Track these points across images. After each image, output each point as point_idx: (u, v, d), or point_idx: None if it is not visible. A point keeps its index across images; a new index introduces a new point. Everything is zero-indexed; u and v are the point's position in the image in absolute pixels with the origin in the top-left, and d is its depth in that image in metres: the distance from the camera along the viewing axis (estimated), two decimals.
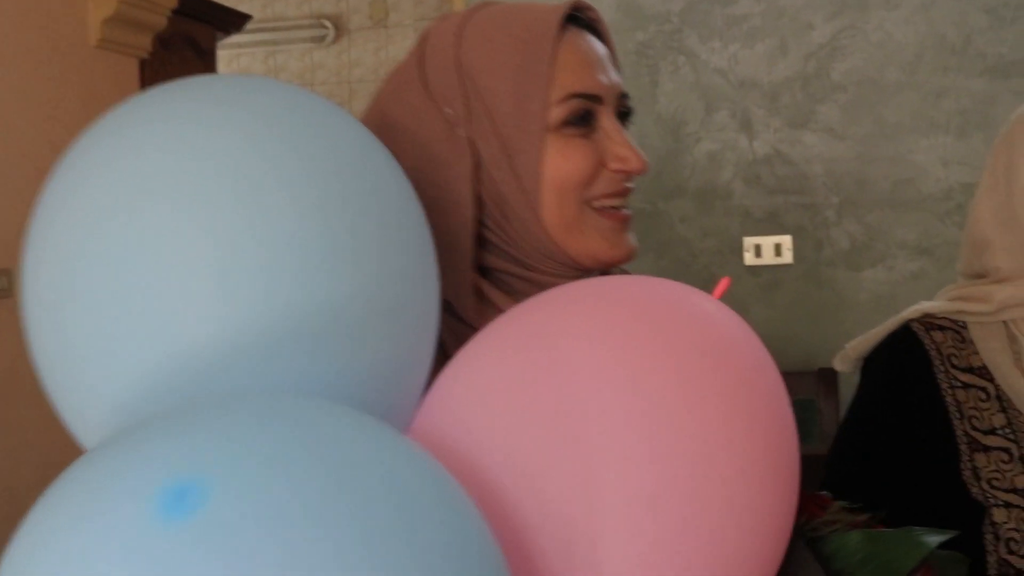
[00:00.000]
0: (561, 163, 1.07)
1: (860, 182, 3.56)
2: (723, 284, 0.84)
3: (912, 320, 1.50)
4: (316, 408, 0.62)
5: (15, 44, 3.66)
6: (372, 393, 0.73)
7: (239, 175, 0.69)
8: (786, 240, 3.61)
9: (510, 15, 1.11)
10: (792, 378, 3.52)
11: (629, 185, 1.11)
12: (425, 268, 0.81)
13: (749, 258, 3.64)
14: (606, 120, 1.10)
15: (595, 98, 1.08)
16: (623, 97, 1.13)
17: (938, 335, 1.47)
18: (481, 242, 1.09)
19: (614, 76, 1.12)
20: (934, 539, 0.88)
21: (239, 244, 0.68)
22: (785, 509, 0.75)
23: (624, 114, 1.14)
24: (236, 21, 4.93)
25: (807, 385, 3.27)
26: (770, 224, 3.63)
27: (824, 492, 1.07)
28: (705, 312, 0.79)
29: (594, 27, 1.14)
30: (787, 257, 3.62)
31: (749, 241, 3.64)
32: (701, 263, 3.66)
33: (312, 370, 0.68)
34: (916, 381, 1.45)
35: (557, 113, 1.06)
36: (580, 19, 1.13)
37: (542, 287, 0.97)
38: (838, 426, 1.57)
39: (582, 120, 1.08)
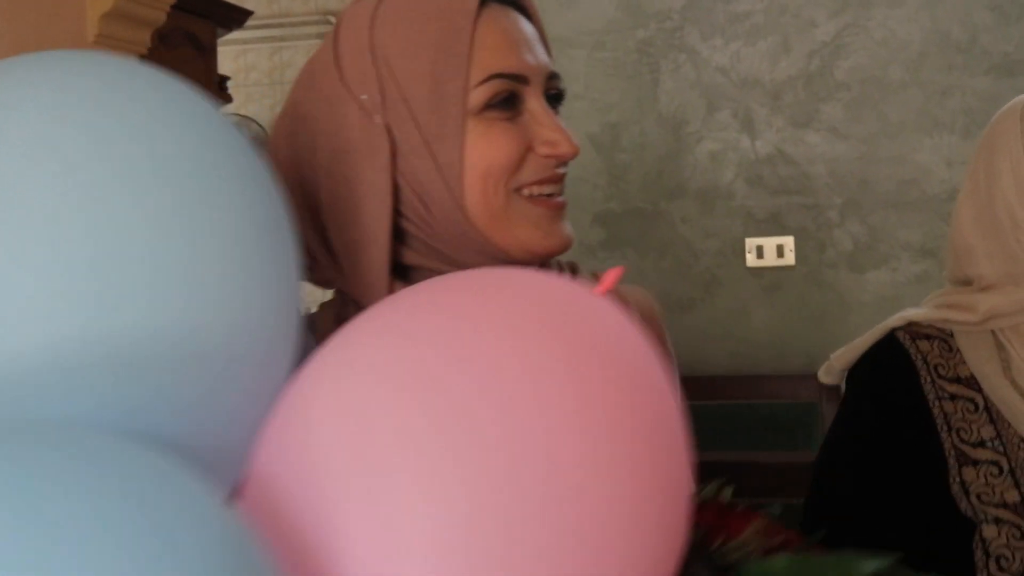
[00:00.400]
0: (484, 148, 1.00)
1: (863, 182, 3.51)
2: (612, 275, 0.75)
3: (897, 329, 1.45)
4: (111, 458, 0.55)
5: (10, 40, 3.62)
6: (205, 432, 0.67)
7: (76, 177, 0.64)
8: (788, 241, 3.58)
9: None
10: (794, 382, 3.48)
11: (561, 171, 1.04)
12: (282, 296, 0.73)
13: (751, 259, 3.61)
14: (533, 102, 1.03)
15: (520, 78, 1.02)
16: (553, 78, 1.06)
17: (924, 344, 1.42)
18: (401, 236, 1.02)
19: (542, 56, 1.05)
20: (871, 564, 0.81)
21: (66, 255, 0.62)
22: (666, 531, 0.65)
23: (555, 96, 1.07)
24: (238, 17, 4.89)
25: (809, 389, 3.22)
26: (772, 225, 3.59)
27: (759, 508, 0.98)
28: (574, 307, 0.70)
29: (520, 6, 1.07)
30: (789, 258, 3.58)
31: (751, 242, 3.61)
32: (703, 264, 3.63)
33: (130, 403, 0.62)
34: (902, 392, 1.40)
35: (478, 95, 1.00)
36: None
37: None
38: (823, 441, 1.52)
39: (506, 102, 1.01)
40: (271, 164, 1.07)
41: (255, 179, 0.74)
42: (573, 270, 1.16)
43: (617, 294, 1.17)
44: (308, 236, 1.02)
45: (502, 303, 0.68)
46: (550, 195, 1.04)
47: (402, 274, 1.03)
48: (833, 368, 1.52)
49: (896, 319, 1.46)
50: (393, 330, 0.68)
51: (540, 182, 1.03)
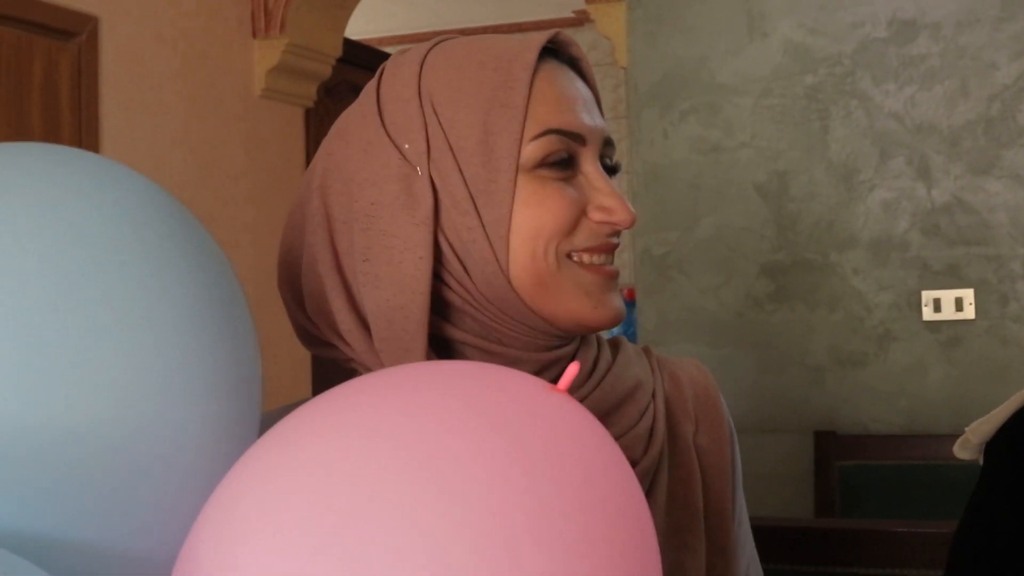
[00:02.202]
0: (536, 208, 0.92)
1: None
2: (571, 371, 0.66)
3: None
4: None
5: (180, 94, 3.71)
6: (123, 539, 0.60)
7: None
8: (968, 294, 3.43)
9: (481, 44, 0.98)
10: None
11: (615, 240, 0.96)
12: (229, 396, 0.67)
13: (928, 313, 3.47)
14: (588, 165, 0.96)
15: (577, 137, 0.95)
16: (608, 145, 0.98)
17: None
18: (440, 307, 0.95)
19: (599, 119, 0.98)
20: None
21: None
22: None
23: (610, 168, 0.99)
24: None
25: None
26: (950, 277, 3.45)
27: None
28: (530, 405, 0.62)
29: (576, 66, 1.00)
30: (969, 312, 3.44)
31: (928, 295, 3.47)
32: (876, 318, 3.50)
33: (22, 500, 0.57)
34: None
35: (532, 151, 0.92)
36: (561, 56, 0.99)
37: (507, 364, 0.82)
38: (955, 530, 1.37)
39: (562, 161, 0.94)
40: (296, 219, 1.00)
41: (200, 273, 0.69)
42: (615, 345, 1.06)
43: (668, 367, 1.09)
44: (332, 300, 0.95)
45: (453, 400, 0.61)
46: (601, 264, 0.95)
47: (439, 349, 0.95)
48: (969, 442, 1.38)
49: None
50: (338, 425, 0.61)
51: (591, 250, 0.95)
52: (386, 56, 4.79)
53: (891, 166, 3.50)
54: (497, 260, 0.92)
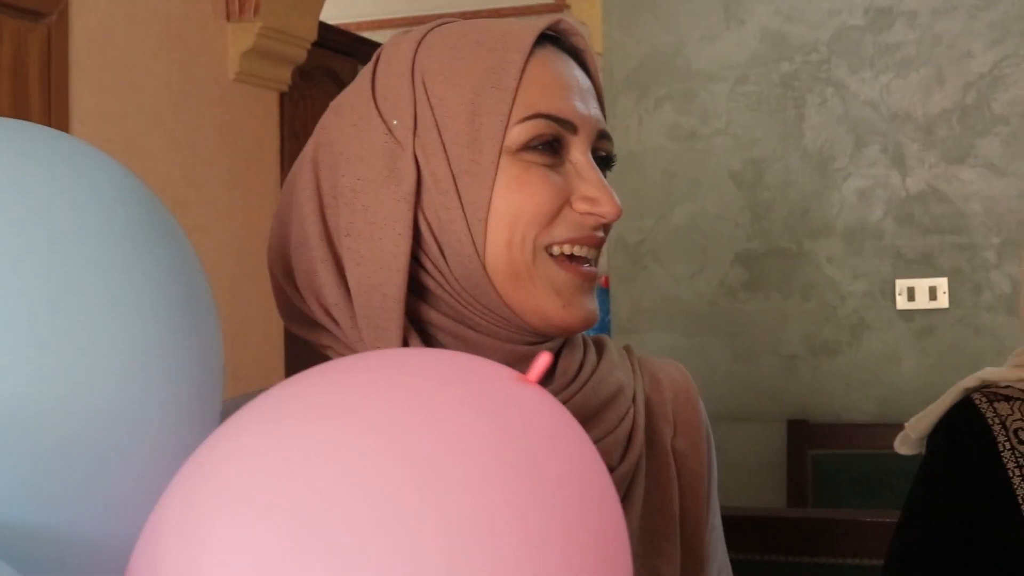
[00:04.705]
0: (517, 193, 0.90)
1: (1023, 221, 3.35)
2: (542, 361, 0.64)
3: (974, 393, 1.31)
4: None
5: (153, 77, 3.68)
6: (83, 526, 0.59)
7: None
8: (942, 283, 3.45)
9: (481, 25, 0.96)
10: None
11: (599, 234, 0.94)
12: (189, 378, 0.66)
13: (902, 302, 3.48)
14: (578, 154, 0.94)
15: (567, 124, 0.93)
16: (603, 138, 0.97)
17: (1003, 406, 1.30)
18: (418, 289, 0.93)
19: (595, 109, 0.96)
20: None
21: None
22: None
23: (604, 159, 0.97)
24: None
25: None
26: (924, 266, 3.46)
27: None
28: (502, 393, 0.61)
29: (579, 57, 0.99)
30: (943, 301, 3.45)
31: (902, 284, 3.48)
32: (850, 307, 3.50)
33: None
34: (978, 460, 1.26)
35: (518, 133, 0.91)
36: (563, 44, 0.98)
37: (479, 353, 0.80)
38: (897, 521, 1.37)
39: (548, 146, 0.92)
40: (290, 191, 0.99)
41: (163, 256, 0.68)
42: (599, 346, 1.04)
43: (648, 368, 1.07)
44: (321, 273, 0.94)
45: (424, 384, 0.60)
46: (583, 260, 0.93)
47: (417, 331, 0.93)
48: (908, 438, 1.40)
49: (971, 379, 1.34)
50: (308, 408, 0.59)
51: (573, 241, 0.92)
52: (362, 41, 4.76)
53: (866, 154, 3.50)
54: (474, 244, 0.90)
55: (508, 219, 0.90)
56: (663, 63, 3.68)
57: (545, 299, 0.92)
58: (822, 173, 3.52)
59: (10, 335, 0.58)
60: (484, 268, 0.91)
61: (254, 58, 4.03)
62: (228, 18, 3.98)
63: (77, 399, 0.59)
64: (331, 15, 4.77)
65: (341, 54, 4.54)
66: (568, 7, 3.79)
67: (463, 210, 0.90)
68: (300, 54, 4.23)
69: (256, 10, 3.94)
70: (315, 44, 4.28)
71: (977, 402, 1.32)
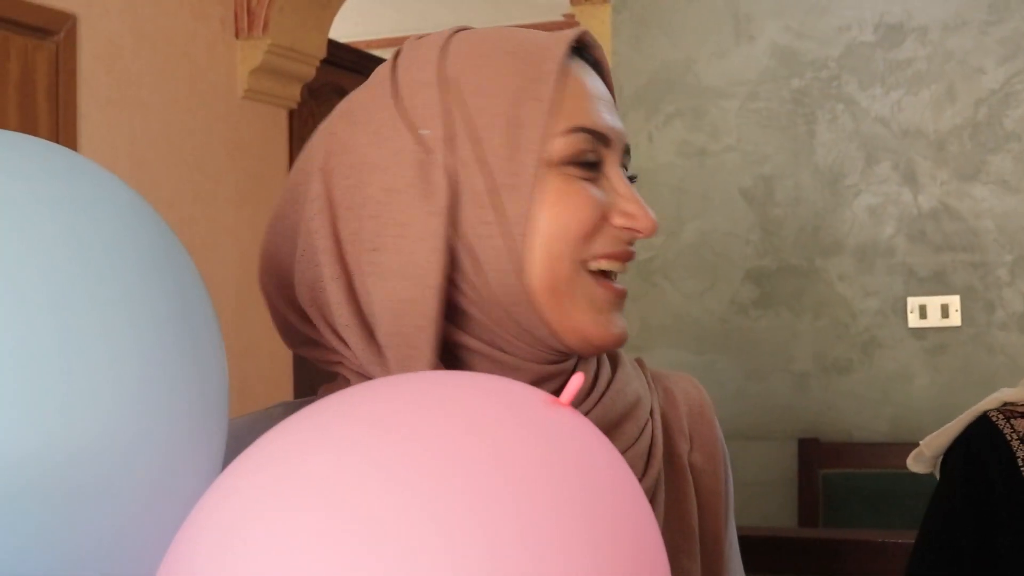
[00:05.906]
0: (560, 208, 0.87)
1: None
2: (575, 382, 0.62)
3: (990, 410, 1.31)
4: None
5: (160, 94, 3.68)
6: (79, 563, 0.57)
7: None
8: (954, 301, 3.42)
9: (508, 34, 0.94)
10: None
11: (632, 249, 0.92)
12: (192, 415, 0.64)
13: (913, 320, 3.46)
14: (612, 169, 0.92)
15: (603, 138, 0.91)
16: (626, 153, 0.95)
17: (1020, 423, 1.30)
18: (451, 312, 0.89)
19: (620, 123, 0.94)
20: None
21: None
22: None
23: (629, 177, 0.95)
24: None
25: None
26: (936, 283, 3.44)
27: None
28: (538, 419, 0.60)
29: (598, 69, 0.97)
30: (955, 319, 3.42)
31: (913, 302, 3.46)
32: (861, 325, 3.48)
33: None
34: (997, 478, 1.26)
35: (561, 147, 0.88)
36: (585, 56, 0.96)
37: (507, 375, 0.77)
38: (915, 539, 1.36)
39: (589, 161, 0.90)
40: (289, 204, 0.95)
41: (162, 277, 0.65)
42: (613, 359, 1.02)
43: (662, 382, 1.05)
44: (331, 291, 0.89)
45: (454, 410, 0.59)
46: (614, 275, 0.91)
47: (446, 355, 0.90)
48: (923, 456, 1.39)
49: (989, 400, 1.34)
50: (356, 419, 0.58)
51: (610, 256, 0.90)
52: (371, 58, 4.76)
53: (877, 171, 3.48)
54: (512, 261, 0.87)
55: (549, 234, 0.88)
56: (673, 79, 3.67)
57: (583, 316, 0.89)
58: (833, 190, 3.51)
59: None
60: (525, 286, 0.88)
61: (263, 75, 4.03)
62: (237, 35, 3.98)
63: (61, 433, 0.56)
64: (340, 32, 4.77)
65: (350, 71, 4.55)
66: (577, 23, 3.78)
67: (502, 225, 0.87)
68: (309, 71, 4.23)
69: (265, 27, 3.95)
70: (324, 61, 4.28)
71: (994, 419, 1.32)
